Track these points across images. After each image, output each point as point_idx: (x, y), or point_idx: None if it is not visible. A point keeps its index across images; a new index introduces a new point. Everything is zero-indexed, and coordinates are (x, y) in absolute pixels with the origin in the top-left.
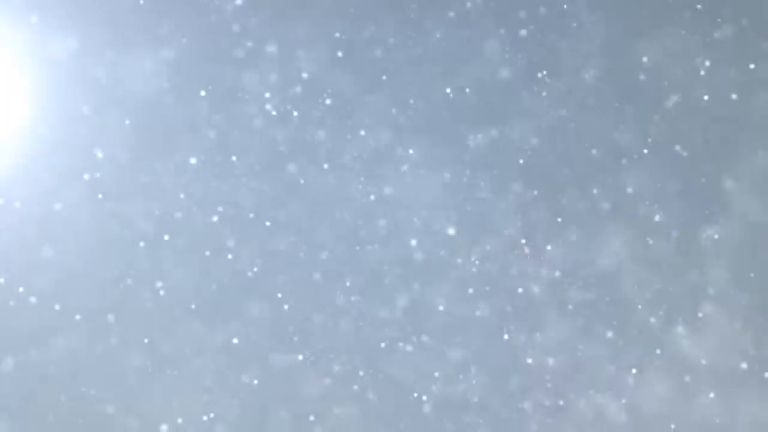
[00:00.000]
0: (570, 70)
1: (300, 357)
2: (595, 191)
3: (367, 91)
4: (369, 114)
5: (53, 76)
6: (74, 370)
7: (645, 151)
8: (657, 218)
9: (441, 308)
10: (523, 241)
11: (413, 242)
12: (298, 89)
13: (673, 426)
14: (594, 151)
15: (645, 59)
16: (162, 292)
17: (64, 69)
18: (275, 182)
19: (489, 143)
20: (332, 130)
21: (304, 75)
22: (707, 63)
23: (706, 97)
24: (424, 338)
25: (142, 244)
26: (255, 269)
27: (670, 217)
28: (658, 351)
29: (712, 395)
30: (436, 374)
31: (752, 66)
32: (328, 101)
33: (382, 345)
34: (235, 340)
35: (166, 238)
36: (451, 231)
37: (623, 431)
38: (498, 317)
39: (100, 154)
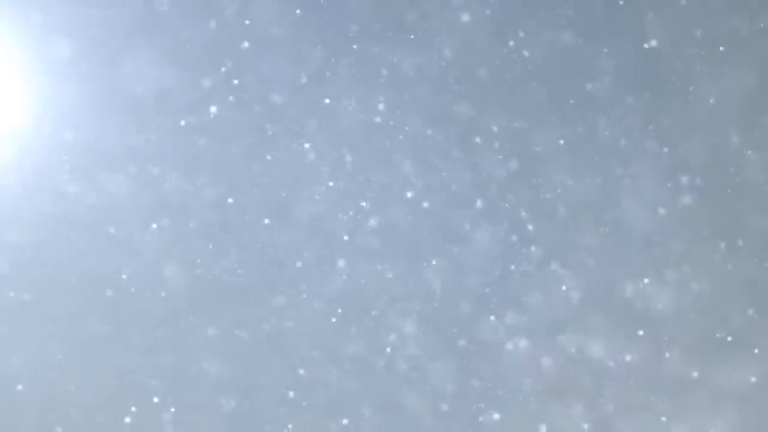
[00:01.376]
0: (545, 26)
1: (249, 337)
2: (562, 142)
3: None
4: (339, 84)
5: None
6: (29, 358)
7: (625, 102)
8: (633, 178)
9: (390, 276)
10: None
11: (363, 203)
12: (271, 64)
13: (663, 418)
14: (571, 101)
15: (621, 2)
16: (125, 276)
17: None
18: (243, 158)
19: (463, 111)
20: (302, 100)
21: (275, 48)
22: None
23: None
24: (376, 312)
25: (112, 230)
26: (228, 254)
27: (648, 175)
28: (641, 332)
29: (696, 374)
30: (388, 350)
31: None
32: (302, 78)
33: (333, 320)
34: (211, 331)
35: (134, 223)
36: (410, 194)
37: (610, 420)
38: (462, 289)
39: (68, 137)
